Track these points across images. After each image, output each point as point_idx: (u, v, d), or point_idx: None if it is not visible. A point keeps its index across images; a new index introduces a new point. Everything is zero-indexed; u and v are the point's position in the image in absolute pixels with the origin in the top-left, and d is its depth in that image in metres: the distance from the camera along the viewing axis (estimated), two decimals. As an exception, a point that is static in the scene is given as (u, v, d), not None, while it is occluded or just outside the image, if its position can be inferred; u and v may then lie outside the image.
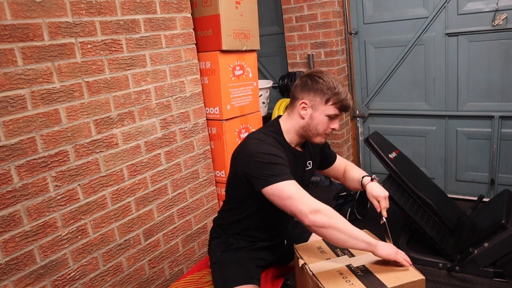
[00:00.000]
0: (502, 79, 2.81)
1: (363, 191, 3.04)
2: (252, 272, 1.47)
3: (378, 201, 1.44)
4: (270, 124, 1.47)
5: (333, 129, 1.40)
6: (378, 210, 1.43)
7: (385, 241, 1.33)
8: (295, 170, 1.41)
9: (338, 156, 1.70)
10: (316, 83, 1.36)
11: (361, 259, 1.29)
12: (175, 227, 2.03)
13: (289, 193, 1.22)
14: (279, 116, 1.48)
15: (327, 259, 1.31)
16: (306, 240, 1.58)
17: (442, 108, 3.09)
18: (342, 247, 1.32)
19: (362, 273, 1.22)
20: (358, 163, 3.62)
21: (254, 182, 1.28)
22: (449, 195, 2.90)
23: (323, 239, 1.43)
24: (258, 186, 1.27)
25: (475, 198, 2.76)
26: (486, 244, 2.10)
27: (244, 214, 1.47)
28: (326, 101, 1.36)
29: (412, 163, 2.71)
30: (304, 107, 1.38)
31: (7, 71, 1.34)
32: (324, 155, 1.64)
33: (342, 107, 1.37)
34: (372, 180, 1.51)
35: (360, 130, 3.54)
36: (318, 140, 1.41)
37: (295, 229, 1.68)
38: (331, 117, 1.37)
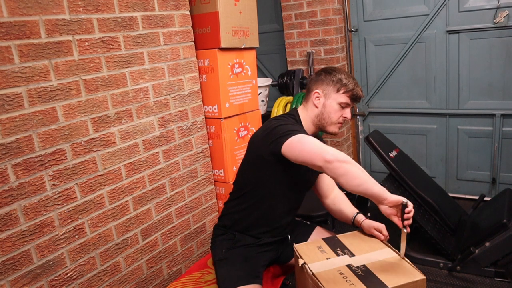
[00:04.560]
0: (503, 77, 2.79)
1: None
2: (258, 272, 1.46)
3: (380, 231, 1.41)
4: (290, 112, 1.56)
5: (345, 118, 1.49)
6: (382, 238, 1.39)
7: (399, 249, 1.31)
8: None
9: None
10: (329, 75, 1.48)
11: (361, 259, 1.28)
12: (173, 227, 2.02)
13: (305, 141, 1.27)
14: (296, 108, 1.58)
15: (327, 258, 1.30)
16: (306, 240, 1.57)
17: (443, 106, 3.08)
18: (356, 190, 1.25)
19: (363, 273, 1.20)
20: (358, 162, 3.61)
21: (275, 146, 1.31)
22: (450, 194, 2.89)
23: (322, 238, 1.42)
24: (279, 145, 1.30)
25: (476, 197, 2.75)
26: (487, 244, 2.08)
27: (252, 201, 1.49)
28: (338, 90, 1.46)
29: (412, 162, 2.70)
30: (317, 97, 1.49)
31: (4, 69, 1.33)
32: None
33: (353, 96, 1.47)
34: (366, 217, 1.50)
35: (360, 128, 3.52)
36: (332, 129, 1.50)
37: (295, 228, 1.67)
38: (342, 106, 1.47)
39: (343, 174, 1.20)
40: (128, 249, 1.79)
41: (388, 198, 1.23)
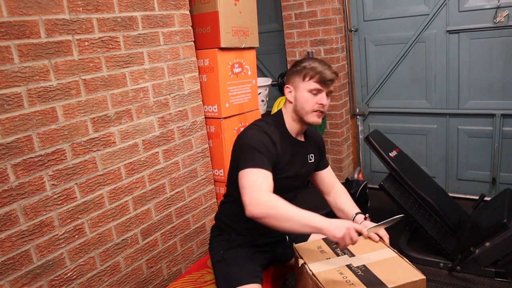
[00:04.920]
0: (503, 76, 2.79)
1: (364, 190, 3.02)
2: (257, 271, 1.45)
3: (378, 234, 1.39)
4: (276, 113, 1.54)
5: (321, 104, 1.40)
6: (376, 240, 1.36)
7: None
8: (293, 158, 1.46)
9: (330, 169, 1.67)
10: (294, 66, 1.45)
11: (361, 259, 1.28)
12: (173, 227, 2.01)
13: (245, 181, 1.27)
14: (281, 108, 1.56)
15: (327, 258, 1.29)
16: (306, 240, 1.57)
17: (443, 106, 3.07)
18: (289, 231, 1.28)
19: (362, 272, 1.20)
20: (358, 162, 3.61)
21: (239, 165, 1.34)
22: (450, 194, 2.88)
23: (322, 239, 1.42)
24: (239, 169, 1.32)
25: (477, 197, 2.74)
26: (487, 244, 2.08)
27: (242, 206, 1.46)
28: (304, 78, 1.41)
29: (412, 162, 2.70)
30: (289, 91, 1.46)
31: (4, 69, 1.33)
32: (320, 154, 1.62)
33: (321, 79, 1.38)
34: (365, 219, 1.48)
35: (360, 128, 3.52)
36: (311, 118, 1.42)
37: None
38: (314, 93, 1.40)
39: (267, 225, 1.23)
40: (128, 249, 1.79)
41: (321, 225, 1.20)
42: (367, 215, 1.48)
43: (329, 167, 1.68)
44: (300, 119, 1.45)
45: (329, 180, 1.65)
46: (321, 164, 1.64)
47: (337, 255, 1.32)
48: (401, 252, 2.37)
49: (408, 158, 2.69)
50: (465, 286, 2.11)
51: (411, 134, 3.28)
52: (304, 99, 1.40)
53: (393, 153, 2.49)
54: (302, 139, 1.53)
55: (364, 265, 1.24)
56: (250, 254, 1.49)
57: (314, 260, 1.28)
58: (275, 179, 1.34)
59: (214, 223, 1.65)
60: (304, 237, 1.61)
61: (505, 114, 2.83)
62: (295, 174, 1.48)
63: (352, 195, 2.91)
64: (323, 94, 1.41)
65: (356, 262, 1.26)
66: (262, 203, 1.22)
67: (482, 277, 2.14)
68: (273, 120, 1.49)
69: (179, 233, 2.06)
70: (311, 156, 1.56)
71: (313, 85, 1.39)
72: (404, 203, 2.33)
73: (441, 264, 2.25)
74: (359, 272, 1.21)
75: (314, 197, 2.52)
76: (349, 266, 1.24)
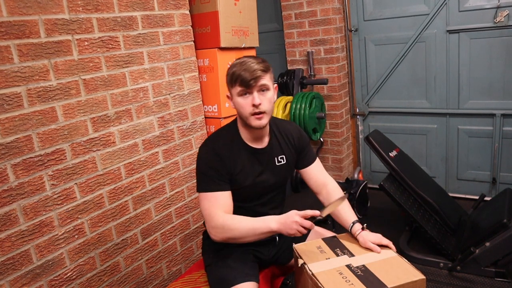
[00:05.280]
0: (503, 76, 2.79)
1: (364, 190, 3.02)
2: (247, 269, 1.44)
3: (378, 243, 1.36)
4: (233, 121, 1.49)
5: (255, 105, 1.33)
6: (378, 251, 1.33)
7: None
8: (249, 168, 1.42)
9: (316, 165, 1.59)
10: (227, 76, 1.39)
11: (361, 259, 1.28)
12: (173, 227, 2.01)
13: (201, 206, 1.38)
14: None
15: (326, 258, 1.29)
16: (304, 239, 1.56)
17: (443, 106, 3.07)
18: (249, 241, 1.36)
19: (362, 272, 1.20)
20: (358, 162, 3.60)
21: None
22: (450, 194, 2.88)
23: (322, 239, 1.42)
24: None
25: (477, 197, 2.74)
26: (487, 244, 2.08)
27: None
28: (230, 84, 1.37)
29: (412, 162, 2.70)
30: (230, 100, 1.42)
31: (3, 69, 1.33)
32: (298, 153, 1.56)
33: (241, 81, 1.32)
34: (362, 229, 1.41)
35: (360, 128, 3.52)
36: (253, 123, 1.36)
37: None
38: (244, 96, 1.34)
39: (229, 239, 1.33)
40: (127, 249, 1.79)
41: (274, 228, 1.29)
42: (365, 225, 1.42)
43: (315, 163, 1.59)
44: (246, 125, 1.40)
45: (317, 178, 1.58)
46: (304, 161, 1.57)
47: (337, 255, 1.31)
48: (401, 252, 2.37)
49: (408, 158, 2.68)
50: (465, 286, 2.11)
51: (411, 134, 3.28)
52: (239, 105, 1.36)
53: (393, 153, 2.49)
54: (260, 145, 1.46)
55: (363, 265, 1.24)
56: (240, 254, 1.48)
57: (313, 260, 1.28)
58: (236, 191, 1.40)
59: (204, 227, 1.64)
60: (302, 237, 1.59)
61: (505, 114, 2.82)
62: (253, 183, 1.43)
63: (352, 195, 2.92)
64: (254, 94, 1.33)
65: (355, 262, 1.26)
66: (219, 230, 1.33)
67: (482, 277, 2.13)
68: (229, 129, 1.46)
69: (179, 233, 2.06)
70: (281, 158, 1.50)
71: (238, 88, 1.34)
72: (404, 203, 2.33)
73: (441, 264, 2.24)
74: (358, 272, 1.21)
75: (315, 196, 2.52)
76: (348, 266, 1.24)
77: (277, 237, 1.58)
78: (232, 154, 1.40)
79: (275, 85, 1.46)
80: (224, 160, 1.38)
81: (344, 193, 1.38)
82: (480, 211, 2.53)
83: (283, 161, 1.51)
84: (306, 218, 1.26)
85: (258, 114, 1.34)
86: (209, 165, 1.37)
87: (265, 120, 1.36)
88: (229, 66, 1.41)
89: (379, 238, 1.36)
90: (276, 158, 1.49)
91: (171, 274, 2.02)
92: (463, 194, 3.13)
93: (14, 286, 1.39)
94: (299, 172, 1.63)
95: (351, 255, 1.31)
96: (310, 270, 1.22)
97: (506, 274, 2.08)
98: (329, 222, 2.53)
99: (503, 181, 2.95)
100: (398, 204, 2.33)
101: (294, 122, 1.65)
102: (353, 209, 1.55)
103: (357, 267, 1.23)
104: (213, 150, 1.39)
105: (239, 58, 1.39)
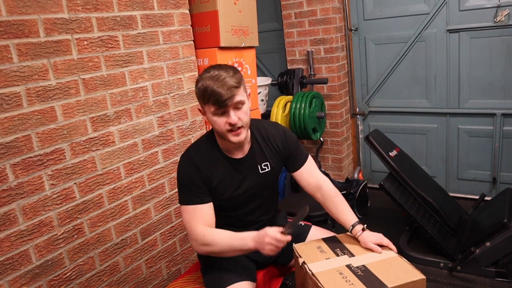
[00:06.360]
0: (504, 76, 2.78)
1: (364, 189, 3.01)
2: (242, 270, 1.43)
3: (379, 244, 1.34)
4: (211, 131, 1.42)
5: (230, 123, 1.26)
6: (379, 252, 1.31)
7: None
8: (228, 178, 1.38)
9: (307, 166, 1.51)
10: (196, 88, 1.30)
11: (361, 259, 1.28)
12: (172, 226, 2.01)
13: (183, 219, 1.38)
14: None
15: (326, 258, 1.29)
16: (304, 239, 1.56)
17: (443, 105, 3.07)
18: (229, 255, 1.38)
19: (362, 272, 1.20)
20: (358, 161, 3.60)
21: None
22: (451, 194, 2.88)
23: (322, 239, 1.42)
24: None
25: (477, 197, 2.74)
26: (488, 244, 2.08)
27: (216, 214, 1.42)
28: (202, 101, 1.28)
29: (413, 161, 2.69)
30: (202, 114, 1.35)
31: (2, 68, 1.33)
32: (285, 158, 1.49)
33: (215, 101, 1.23)
34: (363, 230, 1.38)
35: (360, 128, 3.52)
36: (231, 139, 1.30)
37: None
38: (218, 114, 1.26)
39: (209, 253, 1.34)
40: (127, 249, 1.79)
41: (251, 247, 1.29)
42: (365, 225, 1.40)
43: (306, 165, 1.50)
44: (224, 138, 1.33)
45: (309, 180, 1.51)
46: (294, 165, 1.50)
47: (337, 255, 1.31)
48: (401, 252, 2.36)
49: (408, 157, 2.68)
50: (466, 286, 2.10)
51: (411, 134, 3.27)
52: (213, 122, 1.29)
53: (393, 153, 2.48)
54: (241, 155, 1.40)
55: (364, 265, 1.24)
56: (236, 256, 1.43)
57: (313, 260, 1.28)
58: (217, 202, 1.39)
59: None
60: (301, 237, 1.59)
61: (505, 114, 2.82)
62: (233, 195, 1.40)
63: (352, 195, 2.92)
64: (229, 113, 1.25)
65: (355, 262, 1.26)
66: (198, 244, 1.33)
67: (483, 277, 2.13)
68: (207, 140, 1.41)
69: (179, 233, 2.05)
70: (265, 165, 1.44)
71: (212, 108, 1.25)
72: (404, 202, 2.33)
73: (442, 264, 2.24)
74: (358, 272, 1.20)
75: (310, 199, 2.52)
76: (348, 266, 1.24)
77: None
78: (209, 166, 1.36)
79: (248, 91, 1.37)
80: (202, 172, 1.34)
81: (304, 208, 1.31)
82: (480, 211, 2.53)
83: (267, 168, 1.45)
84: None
85: (236, 130, 1.28)
86: (187, 178, 1.35)
87: (243, 135, 1.30)
88: (198, 77, 1.31)
89: (379, 238, 1.35)
90: (259, 166, 1.43)
91: (171, 274, 2.02)
92: (463, 193, 3.13)
93: (13, 286, 1.38)
94: (291, 174, 1.58)
95: (351, 255, 1.31)
96: (310, 270, 1.22)
97: (506, 274, 2.08)
98: (329, 222, 2.53)
99: (504, 180, 2.95)
100: (398, 204, 2.33)
101: (279, 124, 1.56)
102: (353, 209, 1.54)
103: (357, 267, 1.23)
104: (190, 161, 1.35)
105: (208, 69, 1.29)
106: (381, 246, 1.33)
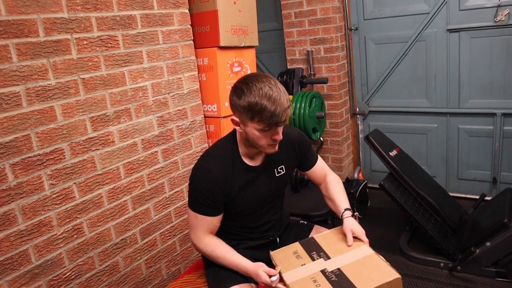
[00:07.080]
0: (504, 75, 2.78)
1: (364, 189, 3.01)
2: None
3: (357, 237, 1.37)
4: (231, 135, 1.40)
5: (275, 139, 1.27)
6: (350, 243, 1.33)
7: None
8: (250, 187, 1.38)
9: (319, 162, 1.58)
10: (239, 99, 1.22)
11: (336, 261, 1.28)
12: (172, 226, 2.01)
13: (188, 219, 1.41)
14: None
15: (302, 265, 1.29)
16: (303, 238, 1.55)
17: (444, 105, 3.06)
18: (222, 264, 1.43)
19: (336, 277, 1.21)
20: (358, 161, 3.60)
21: None
22: (451, 194, 2.87)
23: (299, 242, 1.44)
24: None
25: (477, 197, 2.74)
26: (488, 244, 2.07)
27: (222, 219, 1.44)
28: (252, 118, 1.22)
29: (413, 161, 2.69)
30: (236, 123, 1.29)
31: (2, 68, 1.33)
32: (301, 157, 1.52)
33: (272, 123, 1.21)
34: (353, 216, 1.42)
35: (360, 127, 3.51)
36: (267, 151, 1.30)
37: (293, 229, 1.65)
38: (265, 130, 1.23)
39: (207, 256, 1.42)
40: (127, 249, 1.78)
41: (249, 273, 1.34)
42: (356, 213, 1.43)
43: (317, 163, 1.57)
44: (253, 146, 1.32)
45: (320, 175, 1.59)
46: (307, 164, 1.56)
47: (313, 259, 1.31)
48: (401, 252, 2.36)
49: (408, 157, 2.68)
50: (466, 286, 2.10)
51: (411, 134, 3.27)
52: (256, 136, 1.25)
53: (393, 153, 2.48)
54: (259, 161, 1.41)
55: (338, 269, 1.24)
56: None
57: (289, 267, 1.29)
58: (235, 209, 1.39)
59: None
60: (302, 238, 1.58)
61: (506, 113, 2.82)
62: (252, 200, 1.41)
63: (352, 195, 2.91)
64: (277, 130, 1.25)
65: (331, 266, 1.26)
66: (198, 247, 1.40)
67: (483, 277, 2.13)
68: (226, 147, 1.37)
69: (178, 232, 2.05)
70: (280, 169, 1.46)
71: (262, 125, 1.22)
72: (404, 202, 2.33)
73: (442, 264, 2.24)
74: (332, 277, 1.21)
75: (314, 196, 2.52)
76: (323, 272, 1.24)
77: (277, 238, 1.58)
78: (227, 178, 1.33)
79: None
80: (220, 186, 1.31)
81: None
82: (480, 211, 2.53)
83: (283, 171, 1.47)
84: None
85: (276, 143, 1.29)
86: (203, 191, 1.31)
87: (277, 147, 1.32)
88: (239, 88, 1.23)
89: (360, 232, 1.37)
90: (275, 170, 1.45)
91: (171, 274, 2.02)
92: (463, 193, 3.13)
93: (12, 286, 1.38)
94: (302, 173, 1.63)
95: (327, 257, 1.31)
96: (284, 280, 1.23)
97: (506, 274, 2.08)
98: (329, 222, 2.52)
99: (504, 180, 2.95)
100: (398, 203, 2.33)
101: (293, 126, 1.60)
102: (353, 209, 1.55)
103: (332, 271, 1.24)
104: (208, 174, 1.31)
105: (254, 81, 1.21)
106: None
